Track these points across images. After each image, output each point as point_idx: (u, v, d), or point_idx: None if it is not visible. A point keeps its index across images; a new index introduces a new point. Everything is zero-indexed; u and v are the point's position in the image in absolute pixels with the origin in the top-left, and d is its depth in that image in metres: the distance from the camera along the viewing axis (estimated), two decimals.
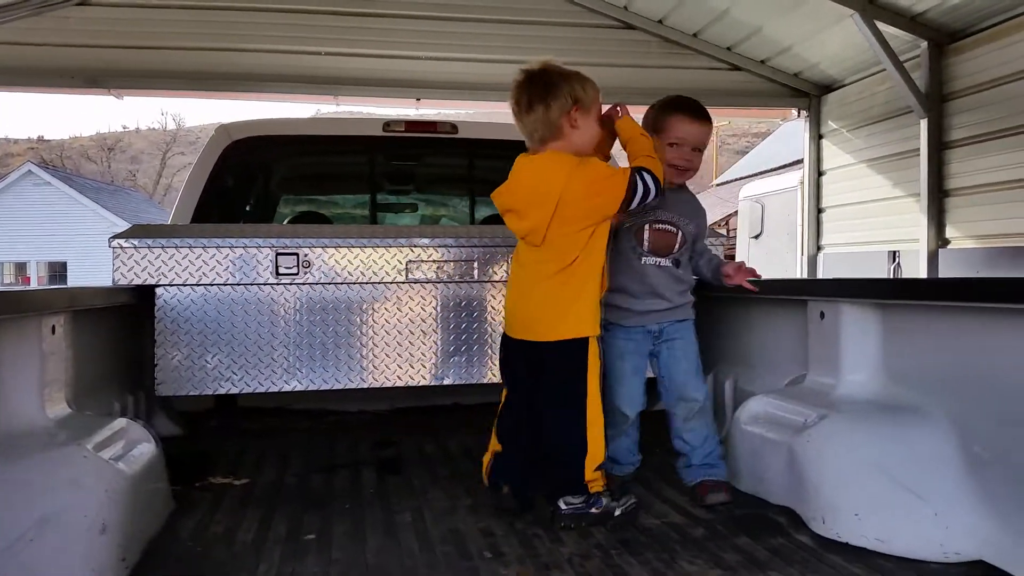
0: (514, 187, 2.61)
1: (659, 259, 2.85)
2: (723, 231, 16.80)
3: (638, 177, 2.55)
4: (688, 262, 2.97)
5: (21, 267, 33.87)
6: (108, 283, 3.34)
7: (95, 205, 34.04)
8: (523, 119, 2.58)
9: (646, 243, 2.83)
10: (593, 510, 2.47)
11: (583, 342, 2.54)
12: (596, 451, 2.53)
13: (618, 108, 2.73)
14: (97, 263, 30.40)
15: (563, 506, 2.47)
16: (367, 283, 3.49)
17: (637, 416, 2.88)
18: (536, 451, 2.63)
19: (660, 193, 2.61)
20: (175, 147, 60.87)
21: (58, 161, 53.18)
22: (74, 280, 31.52)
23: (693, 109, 2.86)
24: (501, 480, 2.63)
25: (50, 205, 33.55)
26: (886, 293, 2.75)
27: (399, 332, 3.53)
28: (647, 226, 2.83)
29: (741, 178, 20.26)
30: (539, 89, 2.54)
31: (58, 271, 33.36)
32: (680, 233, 2.86)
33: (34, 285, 32.14)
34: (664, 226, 2.85)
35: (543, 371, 2.58)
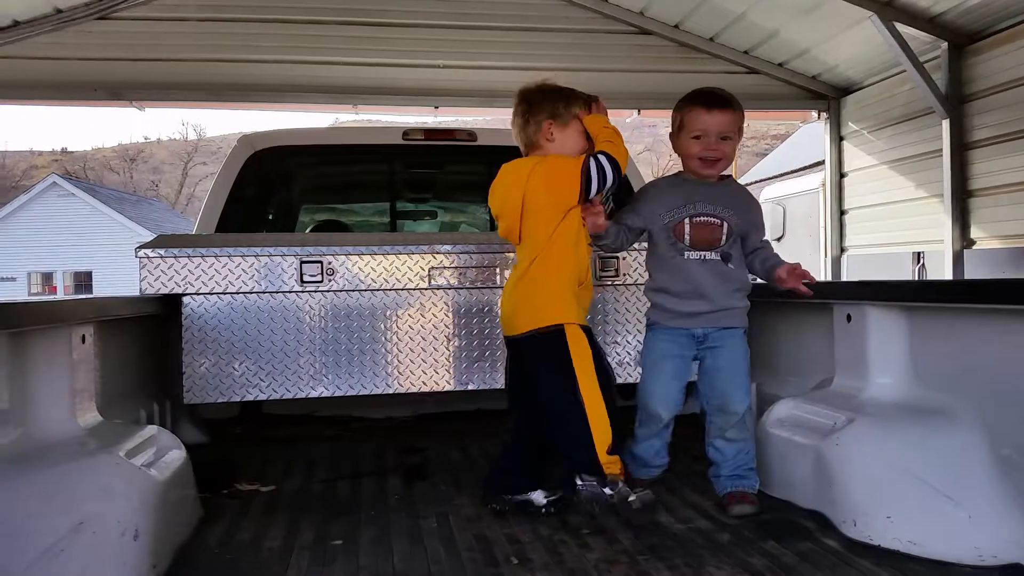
0: (493, 193, 2.85)
1: (703, 253, 2.79)
2: None
3: (591, 162, 2.64)
4: (741, 259, 2.87)
5: (48, 277, 34.27)
6: (135, 292, 3.38)
7: (118, 215, 34.40)
8: (513, 132, 2.86)
9: (687, 237, 2.79)
10: (607, 491, 2.50)
11: (558, 330, 2.60)
12: (602, 435, 2.56)
13: (591, 105, 2.82)
14: (122, 272, 30.71)
15: (579, 482, 2.55)
16: (390, 290, 3.51)
17: (672, 419, 2.85)
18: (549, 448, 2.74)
19: (618, 175, 2.67)
20: (196, 157, 61.42)
21: (81, 172, 53.80)
22: (100, 289, 31.82)
23: (705, 98, 2.80)
24: (486, 491, 2.76)
25: (75, 216, 33.95)
26: (913, 295, 2.73)
27: (422, 338, 3.54)
28: (687, 220, 2.80)
29: (761, 180, 20.14)
30: (523, 106, 2.80)
31: (84, 281, 33.72)
32: (725, 225, 2.80)
33: (60, 295, 32.51)
34: (706, 219, 2.80)
35: (526, 365, 2.70)
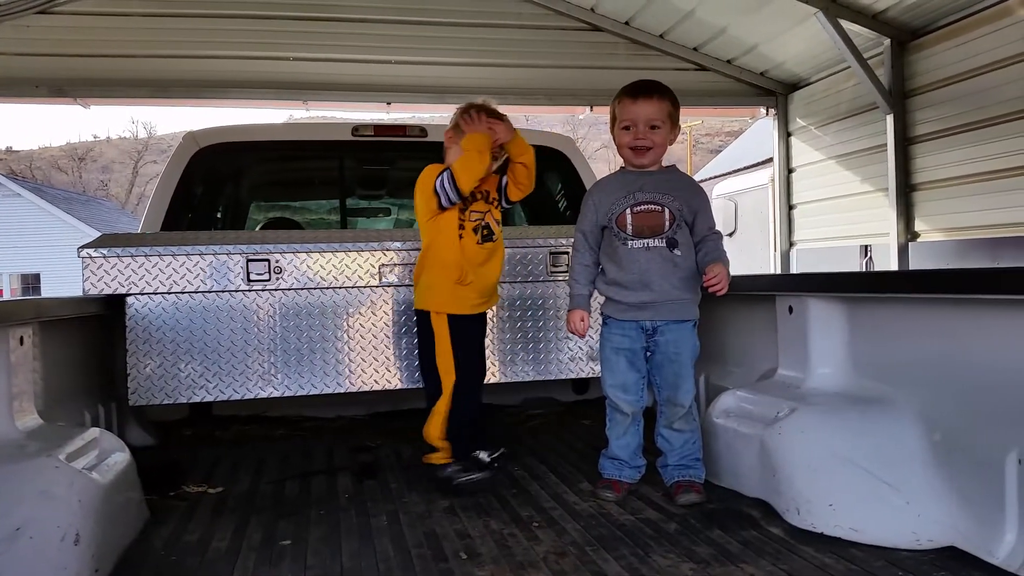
0: None
1: (647, 240, 2.78)
2: None
3: (437, 179, 2.94)
4: (690, 247, 2.82)
5: None
6: (79, 293, 3.32)
7: (67, 216, 33.58)
8: None
9: (629, 226, 2.79)
10: (441, 473, 2.91)
11: (425, 315, 3.03)
12: (437, 417, 2.97)
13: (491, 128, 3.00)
14: (71, 274, 30.02)
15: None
16: (340, 288, 3.49)
17: (639, 413, 2.87)
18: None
19: (457, 190, 2.91)
20: (147, 155, 60.21)
21: (28, 172, 52.44)
22: (48, 291, 31.08)
23: (632, 88, 2.83)
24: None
25: (21, 217, 33.05)
26: (852, 287, 2.79)
27: (374, 336, 3.53)
28: (628, 209, 2.81)
29: (714, 176, 20.39)
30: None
31: (31, 283, 32.88)
32: (667, 211, 2.79)
33: (7, 296, 31.69)
34: (646, 206, 2.80)
35: None
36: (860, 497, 2.35)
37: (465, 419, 2.99)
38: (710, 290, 2.73)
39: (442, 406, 2.98)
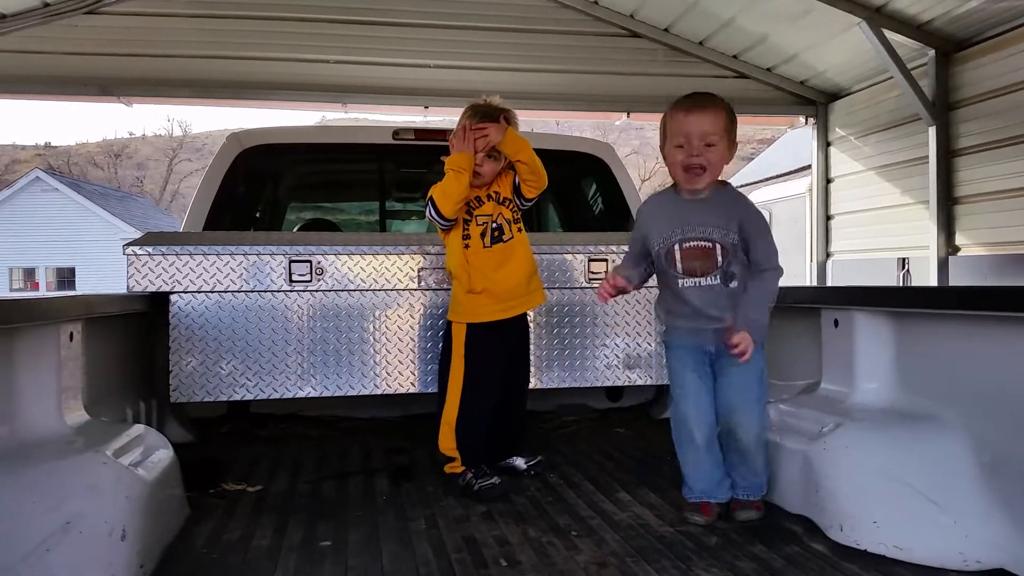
0: None
1: (698, 280, 2.58)
2: None
3: (427, 207, 3.01)
4: (748, 274, 2.59)
5: (30, 272, 33.97)
6: (120, 289, 3.36)
7: (103, 211, 34.14)
8: None
9: (679, 264, 2.59)
10: (459, 482, 2.92)
11: (449, 324, 3.10)
12: (446, 427, 3.00)
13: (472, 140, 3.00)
14: (105, 269, 30.52)
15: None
16: (379, 290, 3.50)
17: (711, 439, 2.63)
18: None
19: (439, 215, 2.96)
20: (181, 153, 61.06)
21: (65, 167, 53.37)
22: (83, 286, 31.58)
23: (683, 101, 2.58)
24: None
25: (58, 211, 33.68)
26: (900, 301, 2.75)
27: (411, 339, 3.54)
28: (676, 246, 2.60)
29: (746, 184, 20.25)
30: None
31: (66, 276, 33.45)
32: (718, 247, 2.56)
33: (43, 291, 32.22)
34: (695, 243, 2.58)
35: None
36: (906, 515, 2.31)
37: (474, 429, 3.00)
38: (731, 349, 2.51)
39: (450, 416, 3.01)
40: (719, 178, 2.63)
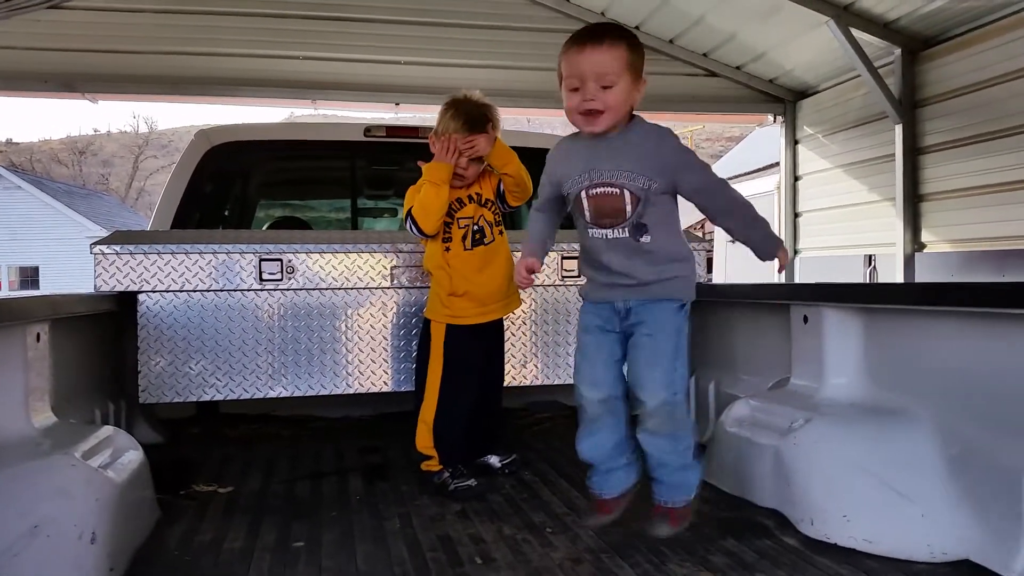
0: None
1: (605, 231, 2.28)
2: (699, 233, 16.86)
3: (406, 220, 2.98)
4: (668, 224, 2.30)
5: None
6: (86, 289, 3.31)
7: (67, 209, 33.54)
8: None
9: (587, 213, 2.30)
10: (435, 480, 2.93)
11: (427, 322, 3.07)
12: (423, 425, 2.99)
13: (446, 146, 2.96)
14: (70, 268, 30.01)
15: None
16: (352, 288, 3.49)
17: (618, 406, 2.33)
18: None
19: (420, 232, 2.94)
20: (147, 150, 60.20)
21: (27, 164, 52.37)
22: (47, 285, 31.04)
23: (576, 35, 2.23)
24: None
25: (21, 209, 33.03)
26: (870, 297, 2.78)
27: (384, 337, 3.52)
28: (583, 192, 2.29)
29: None
30: None
31: (30, 276, 32.84)
32: (626, 193, 2.22)
33: (5, 290, 31.64)
34: (602, 189, 2.25)
35: None
36: (875, 508, 2.34)
37: (452, 428, 2.99)
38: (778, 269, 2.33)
39: (428, 415, 2.99)
40: (633, 112, 2.29)
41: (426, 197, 2.90)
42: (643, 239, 2.25)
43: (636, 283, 2.27)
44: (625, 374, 2.33)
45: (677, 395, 2.25)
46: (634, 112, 2.28)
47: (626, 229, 2.26)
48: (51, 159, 60.54)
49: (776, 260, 2.31)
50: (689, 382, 2.35)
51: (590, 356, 2.35)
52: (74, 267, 29.83)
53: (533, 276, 2.42)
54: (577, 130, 2.33)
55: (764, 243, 2.34)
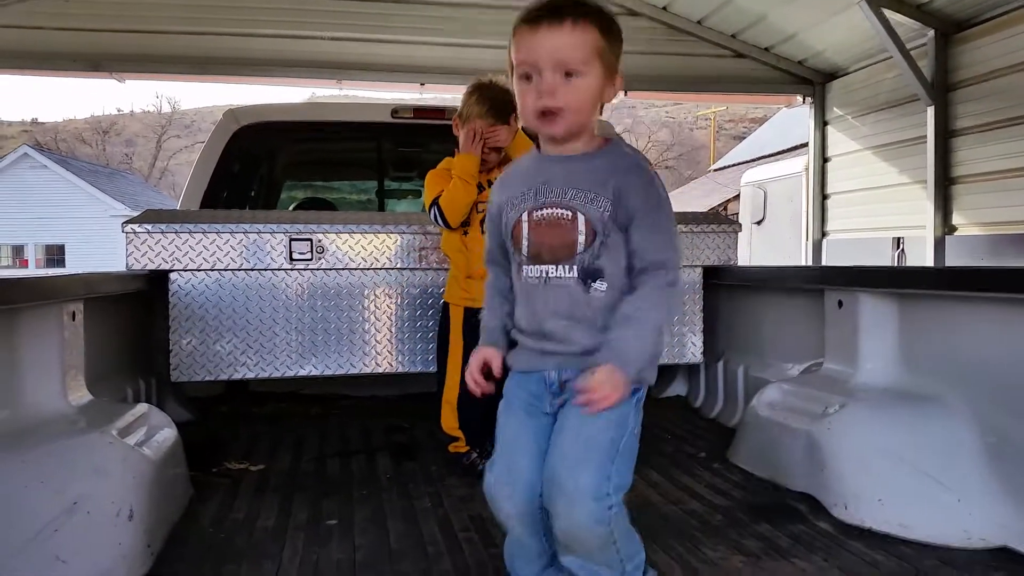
0: None
1: (546, 268, 1.69)
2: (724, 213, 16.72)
3: (430, 210, 2.95)
4: (626, 277, 1.67)
5: (18, 250, 33.76)
6: (112, 267, 3.34)
7: (92, 188, 33.88)
8: None
9: (525, 244, 1.71)
10: (464, 461, 2.93)
11: (444, 306, 3.08)
12: (448, 407, 2.98)
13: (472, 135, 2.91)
14: (95, 246, 30.33)
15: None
16: (380, 269, 3.49)
17: (540, 515, 1.69)
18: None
19: (446, 224, 2.89)
20: (170, 130, 60.59)
21: (52, 144, 52.88)
22: (72, 263, 31.40)
23: (531, 10, 1.66)
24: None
25: (47, 188, 33.40)
26: (906, 282, 2.75)
27: (412, 318, 3.53)
28: (524, 215, 1.72)
29: (739, 163, 20.24)
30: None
31: (56, 254, 33.25)
32: (580, 219, 1.66)
33: (32, 268, 32.03)
34: (549, 211, 1.69)
35: None
36: (910, 494, 2.33)
37: (475, 410, 2.91)
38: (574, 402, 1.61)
39: (451, 395, 2.99)
40: (614, 140, 1.77)
41: (456, 192, 2.88)
42: (595, 286, 1.66)
43: (577, 350, 1.67)
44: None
45: (612, 510, 1.60)
46: (614, 137, 1.80)
47: (574, 269, 1.67)
48: (75, 139, 61.07)
49: (590, 386, 1.56)
50: (623, 508, 1.63)
51: (508, 447, 1.75)
52: (100, 246, 30.14)
53: (485, 372, 1.78)
54: (532, 151, 1.80)
55: (619, 354, 1.59)
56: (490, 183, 3.02)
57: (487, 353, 1.79)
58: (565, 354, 1.69)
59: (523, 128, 2.18)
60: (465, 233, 2.97)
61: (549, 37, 1.62)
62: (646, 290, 1.63)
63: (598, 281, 1.66)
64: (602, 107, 1.72)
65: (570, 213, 1.66)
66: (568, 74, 1.63)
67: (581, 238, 1.66)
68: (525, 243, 1.71)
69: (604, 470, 1.60)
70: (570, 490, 1.59)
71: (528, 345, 1.75)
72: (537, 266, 1.70)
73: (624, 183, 1.65)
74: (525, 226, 1.71)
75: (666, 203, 1.70)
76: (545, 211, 1.69)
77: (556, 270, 1.68)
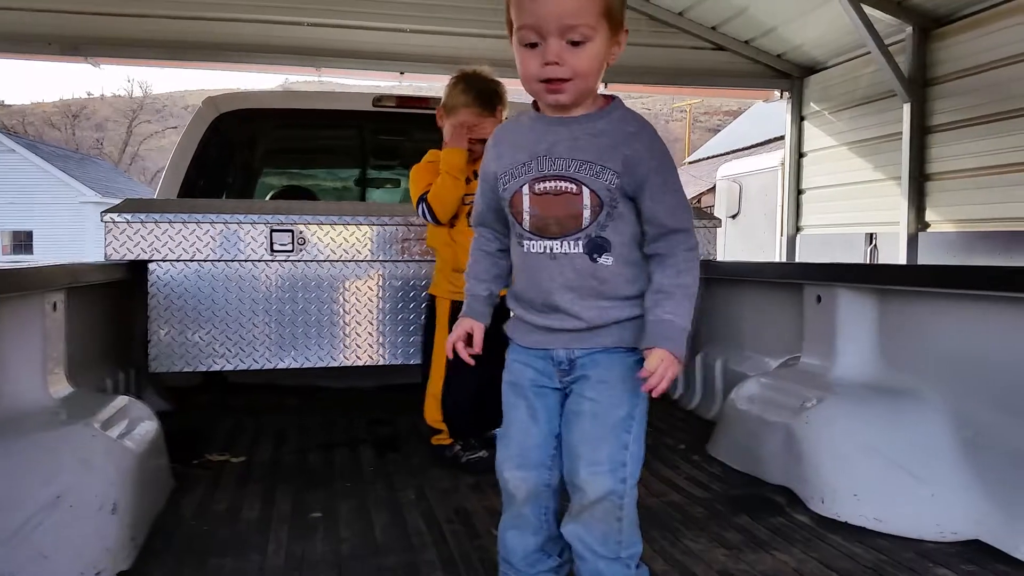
0: None
1: (550, 243, 1.64)
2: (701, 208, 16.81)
3: (418, 206, 2.94)
4: (630, 241, 1.65)
5: None
6: (88, 254, 3.30)
7: (62, 174, 33.26)
8: None
9: (526, 215, 1.66)
10: (447, 454, 2.95)
11: (431, 299, 3.05)
12: (431, 400, 2.97)
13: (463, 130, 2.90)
14: (63, 233, 29.87)
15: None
16: (362, 261, 3.48)
17: (546, 493, 1.74)
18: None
19: (435, 220, 2.88)
20: (142, 115, 59.69)
21: (20, 127, 51.86)
22: (40, 250, 30.89)
23: None
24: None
25: (14, 173, 32.76)
26: (885, 278, 2.79)
27: (394, 311, 3.53)
28: (525, 187, 1.65)
29: (714, 156, 20.35)
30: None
31: (23, 240, 32.67)
32: (586, 192, 1.61)
33: None
34: (553, 183, 1.63)
35: None
36: (885, 488, 2.37)
37: (460, 402, 2.97)
38: (643, 389, 1.61)
39: (435, 388, 2.98)
40: (604, 92, 1.70)
41: (444, 188, 2.86)
42: (602, 260, 1.63)
43: (584, 326, 1.65)
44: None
45: (626, 483, 1.66)
46: (614, 94, 1.72)
47: (580, 243, 1.63)
48: (44, 122, 59.99)
49: (653, 369, 1.56)
50: (635, 493, 1.70)
51: (519, 425, 1.74)
52: (68, 232, 29.70)
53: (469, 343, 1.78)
54: (528, 110, 1.72)
55: (670, 330, 1.60)
56: (477, 175, 3.02)
57: (470, 324, 1.81)
58: (573, 331, 1.66)
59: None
60: (452, 226, 2.96)
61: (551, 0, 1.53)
62: (674, 259, 1.63)
63: (604, 255, 1.63)
64: (608, 65, 1.64)
65: (575, 186, 1.61)
66: (573, 42, 1.55)
67: (587, 212, 1.61)
68: (526, 216, 1.66)
69: (619, 445, 1.65)
70: (591, 466, 1.64)
71: (531, 320, 1.71)
72: (541, 240, 1.65)
73: (633, 151, 1.60)
74: (526, 199, 1.65)
75: (674, 164, 1.67)
76: (548, 183, 1.63)
77: (561, 245, 1.64)
